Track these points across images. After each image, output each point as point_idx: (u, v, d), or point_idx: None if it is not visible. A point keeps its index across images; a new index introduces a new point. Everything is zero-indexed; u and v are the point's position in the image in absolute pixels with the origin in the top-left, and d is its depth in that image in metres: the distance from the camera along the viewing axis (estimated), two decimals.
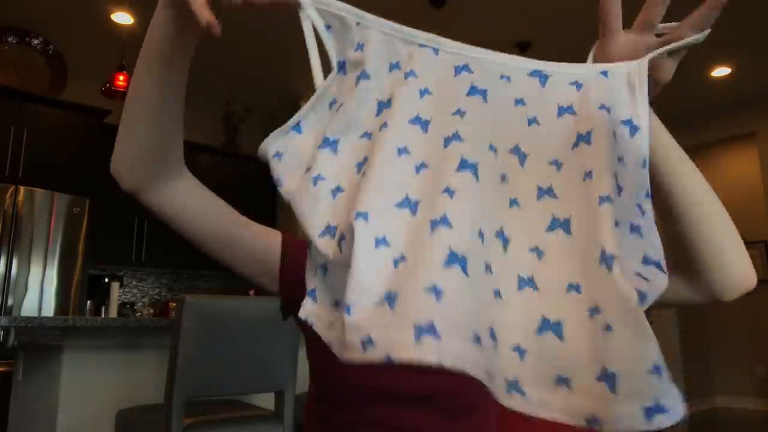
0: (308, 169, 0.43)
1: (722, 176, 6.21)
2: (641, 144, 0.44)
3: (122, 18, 3.76)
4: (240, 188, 4.96)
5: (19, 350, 2.43)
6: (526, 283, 0.40)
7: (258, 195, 5.07)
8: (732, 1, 3.58)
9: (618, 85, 0.46)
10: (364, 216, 0.38)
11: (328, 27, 0.46)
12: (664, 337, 5.18)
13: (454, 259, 0.35)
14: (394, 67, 0.45)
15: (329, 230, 0.41)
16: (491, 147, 0.43)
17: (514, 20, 3.85)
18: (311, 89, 0.46)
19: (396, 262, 0.37)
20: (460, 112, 0.43)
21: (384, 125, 0.42)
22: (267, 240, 0.75)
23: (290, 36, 4.04)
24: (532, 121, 0.45)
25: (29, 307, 3.56)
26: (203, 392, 1.66)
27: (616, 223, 0.41)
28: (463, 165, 0.40)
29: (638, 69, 0.47)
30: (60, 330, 2.04)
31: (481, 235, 0.38)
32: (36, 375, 2.26)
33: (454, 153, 0.41)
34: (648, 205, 0.44)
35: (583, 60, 0.51)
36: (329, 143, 0.44)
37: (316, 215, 0.41)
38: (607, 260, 0.38)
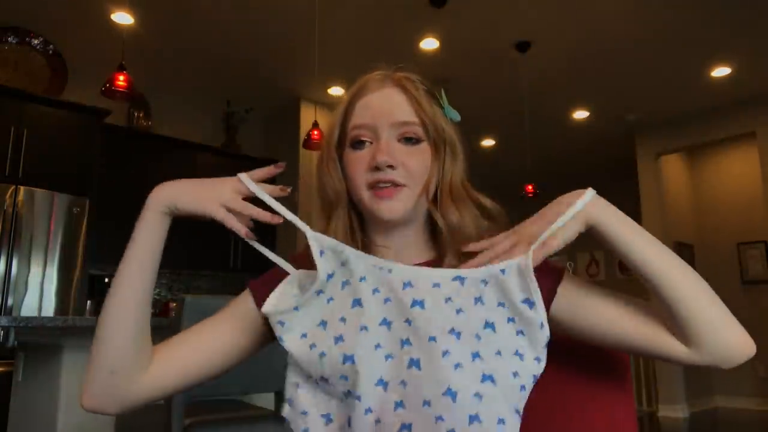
0: (311, 343, 0.69)
1: (722, 176, 6.21)
2: (539, 311, 0.67)
3: (122, 18, 3.75)
4: None
5: (19, 350, 2.43)
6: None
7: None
8: (732, 1, 3.56)
9: (510, 277, 0.68)
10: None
11: (321, 252, 0.72)
12: None
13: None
14: (363, 279, 0.71)
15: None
16: (431, 338, 0.65)
17: (514, 20, 3.84)
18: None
19: None
20: (408, 322, 0.67)
21: (363, 327, 0.67)
22: (242, 319, 0.78)
23: (290, 36, 4.04)
24: (459, 311, 0.67)
25: (29, 307, 3.56)
26: (203, 392, 1.66)
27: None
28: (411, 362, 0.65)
29: (525, 260, 0.68)
30: (60, 330, 2.04)
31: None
32: (36, 375, 2.26)
33: (407, 353, 0.65)
34: (542, 354, 0.67)
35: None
36: (321, 323, 0.69)
37: (308, 365, 0.68)
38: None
